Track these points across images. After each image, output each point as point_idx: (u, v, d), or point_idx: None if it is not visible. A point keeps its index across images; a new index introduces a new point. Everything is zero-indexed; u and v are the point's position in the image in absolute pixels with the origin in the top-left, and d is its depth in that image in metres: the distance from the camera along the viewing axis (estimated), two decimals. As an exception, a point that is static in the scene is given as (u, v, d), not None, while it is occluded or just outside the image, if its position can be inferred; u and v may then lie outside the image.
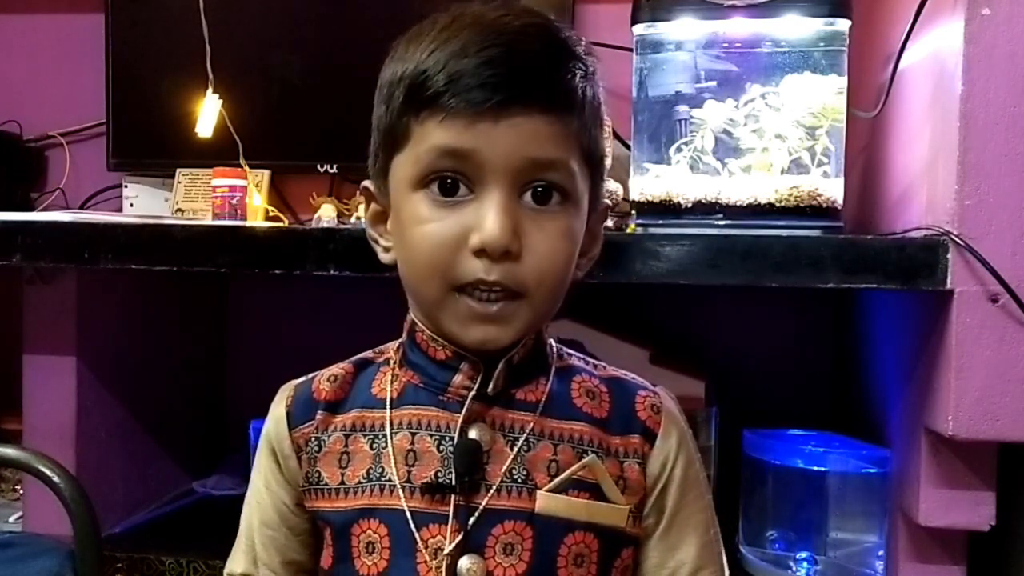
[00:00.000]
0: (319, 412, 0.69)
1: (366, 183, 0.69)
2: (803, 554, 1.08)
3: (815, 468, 1.08)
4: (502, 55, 0.59)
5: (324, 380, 0.71)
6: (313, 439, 0.69)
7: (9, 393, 1.24)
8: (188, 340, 1.45)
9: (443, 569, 0.63)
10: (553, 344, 0.71)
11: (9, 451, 0.97)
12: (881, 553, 1.06)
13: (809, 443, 1.11)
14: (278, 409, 0.71)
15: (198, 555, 1.13)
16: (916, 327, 0.98)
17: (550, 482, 0.64)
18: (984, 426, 0.88)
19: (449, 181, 0.61)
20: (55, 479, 0.92)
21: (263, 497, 0.71)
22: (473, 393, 0.65)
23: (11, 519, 1.26)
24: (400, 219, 0.64)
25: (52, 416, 1.17)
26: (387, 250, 0.68)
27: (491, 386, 0.65)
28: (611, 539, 0.66)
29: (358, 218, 1.22)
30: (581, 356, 0.72)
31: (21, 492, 1.26)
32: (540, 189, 0.62)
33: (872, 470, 1.07)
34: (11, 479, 1.38)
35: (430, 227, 0.61)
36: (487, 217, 0.60)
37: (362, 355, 0.73)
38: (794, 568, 1.08)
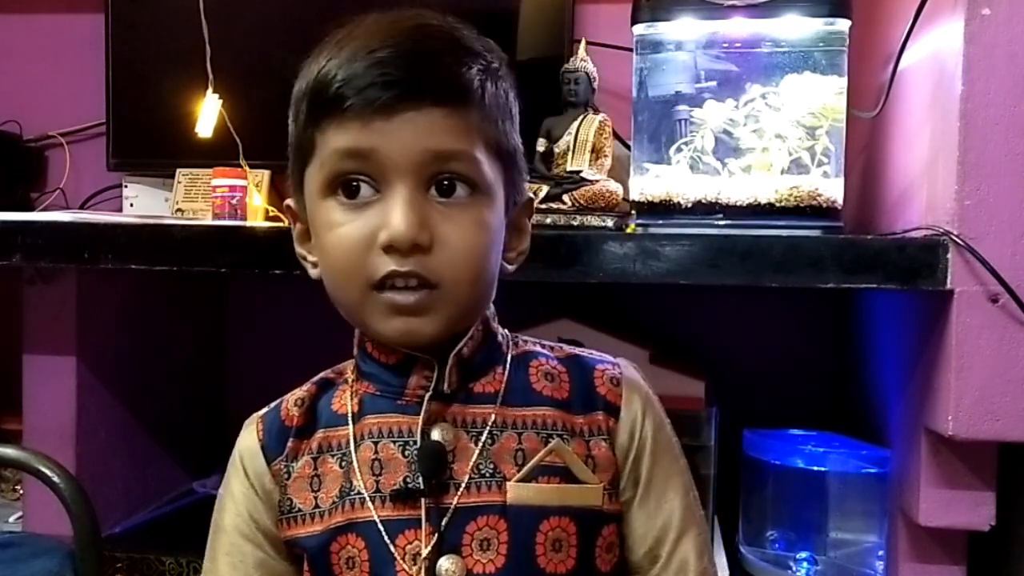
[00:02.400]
0: (290, 440, 0.69)
1: (288, 202, 0.70)
2: (803, 554, 1.08)
3: (815, 468, 1.08)
4: (391, 55, 0.60)
5: (292, 405, 0.71)
6: (284, 467, 0.69)
7: (9, 393, 1.24)
8: (188, 340, 1.45)
9: (423, 574, 0.63)
10: (507, 333, 0.71)
11: (9, 451, 0.97)
12: (881, 553, 1.06)
13: (809, 443, 1.11)
14: (250, 442, 0.71)
15: (198, 555, 1.10)
16: (916, 327, 0.98)
17: (518, 472, 0.64)
18: (984, 426, 0.88)
19: (354, 184, 0.62)
20: (55, 479, 0.92)
21: (248, 536, 0.69)
22: (430, 393, 0.65)
23: (11, 519, 1.26)
24: (316, 228, 0.65)
25: (52, 416, 1.17)
26: (315, 265, 0.68)
27: (446, 383, 0.66)
28: (588, 520, 0.66)
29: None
30: (537, 340, 0.72)
31: (21, 492, 1.26)
32: (446, 183, 0.62)
33: (872, 470, 1.07)
34: (11, 479, 1.38)
35: (341, 231, 0.62)
36: (392, 214, 0.60)
37: (322, 375, 0.73)
38: (794, 568, 1.08)
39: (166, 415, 1.37)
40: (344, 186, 0.62)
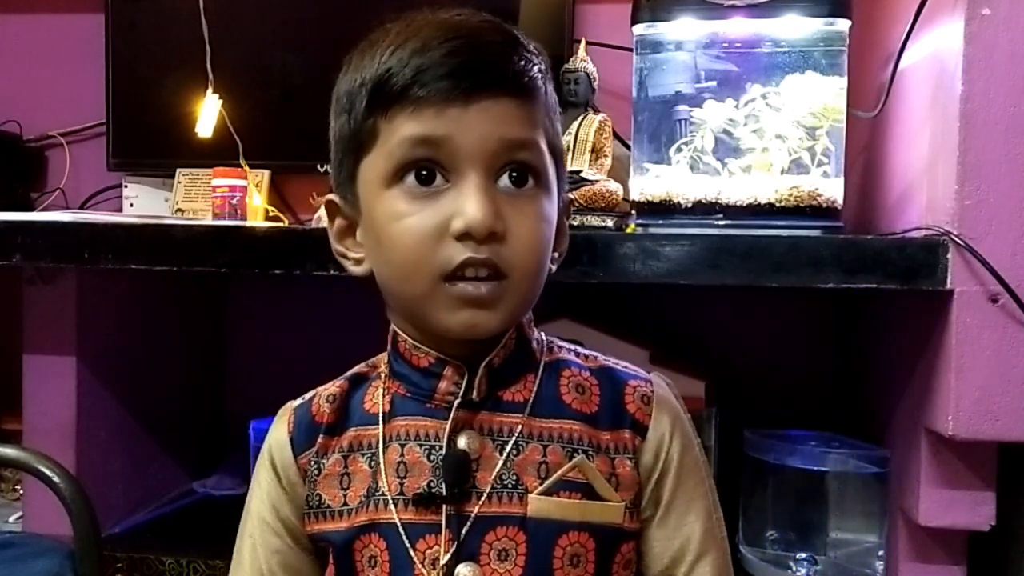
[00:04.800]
0: (320, 436, 0.69)
1: (330, 196, 0.68)
2: (803, 554, 1.08)
3: (815, 468, 1.08)
4: (464, 45, 0.60)
5: (323, 401, 0.70)
6: (313, 463, 0.69)
7: (9, 393, 1.24)
8: (188, 340, 1.45)
9: None
10: (543, 338, 0.70)
11: (9, 451, 0.97)
12: (881, 553, 1.06)
13: (809, 443, 1.11)
14: (280, 434, 0.70)
15: (198, 555, 1.13)
16: (916, 327, 0.98)
17: (540, 485, 0.64)
18: (984, 426, 0.88)
19: (424, 172, 0.61)
20: (55, 479, 0.92)
21: (270, 524, 0.70)
22: (459, 401, 0.65)
23: (11, 519, 1.27)
24: (375, 220, 0.63)
25: (52, 416, 1.17)
26: (358, 262, 0.67)
27: (475, 392, 0.65)
28: (607, 537, 0.65)
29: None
30: (572, 348, 0.71)
31: (21, 492, 1.27)
32: (515, 172, 0.62)
33: (872, 470, 1.07)
34: (11, 479, 1.38)
35: (409, 220, 0.61)
36: (468, 201, 0.60)
37: (356, 369, 0.72)
38: (794, 568, 1.08)
39: (166, 415, 1.37)
40: (416, 174, 0.61)
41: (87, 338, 1.19)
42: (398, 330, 0.68)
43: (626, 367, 0.70)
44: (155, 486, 1.35)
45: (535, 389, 0.67)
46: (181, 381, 1.43)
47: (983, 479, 0.93)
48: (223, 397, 1.55)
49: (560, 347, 0.71)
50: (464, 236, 0.59)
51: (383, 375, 0.70)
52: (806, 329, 1.43)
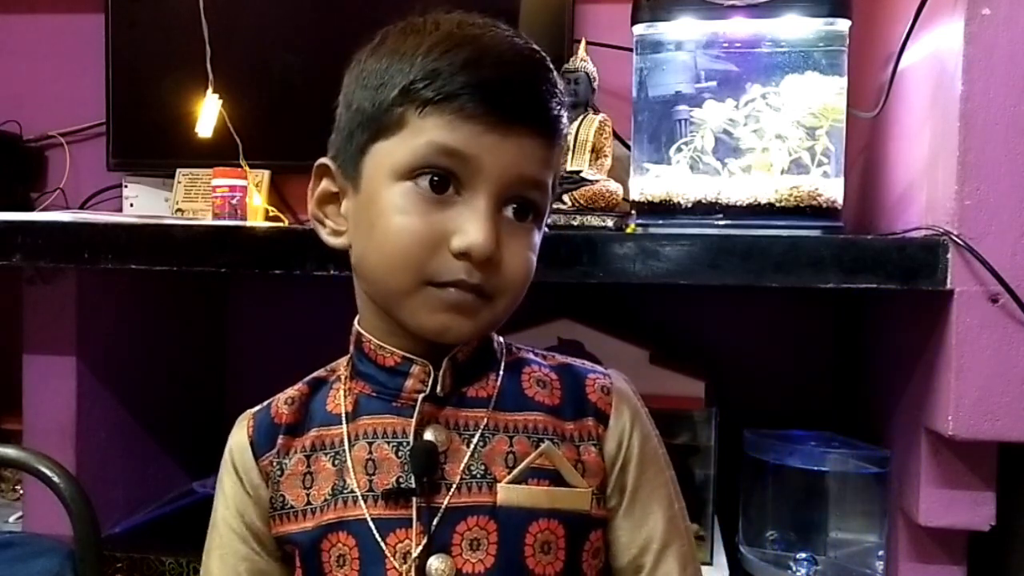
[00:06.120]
0: (280, 437, 0.69)
1: (324, 160, 0.68)
2: (803, 554, 1.08)
3: (815, 468, 1.09)
4: (518, 76, 0.62)
5: (282, 403, 0.71)
6: (275, 463, 0.69)
7: (9, 393, 1.24)
8: (188, 340, 1.45)
9: (412, 572, 0.63)
10: (502, 340, 0.72)
11: (9, 451, 0.97)
12: (881, 553, 1.06)
13: (809, 443, 1.11)
14: (240, 438, 0.71)
15: (198, 555, 1.10)
16: (916, 327, 0.98)
17: (509, 474, 0.65)
18: (984, 426, 0.88)
19: (437, 179, 0.61)
20: (55, 479, 0.92)
21: (236, 531, 0.70)
22: (424, 395, 0.66)
23: (11, 519, 1.27)
24: (375, 206, 0.63)
25: (52, 416, 1.17)
26: (336, 233, 0.67)
27: (439, 387, 0.66)
28: (576, 524, 0.66)
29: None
30: (530, 348, 0.73)
31: (21, 492, 1.27)
32: (520, 207, 0.64)
33: (872, 470, 1.07)
34: (11, 479, 1.38)
35: (410, 220, 0.61)
36: (474, 223, 0.61)
37: (315, 374, 0.73)
38: (794, 568, 1.08)
39: (166, 415, 1.37)
40: (431, 180, 0.61)
41: (87, 338, 1.19)
42: (362, 331, 0.69)
43: (584, 364, 0.73)
44: (155, 486, 1.35)
45: (498, 385, 0.68)
46: (181, 381, 1.43)
47: (983, 479, 0.93)
48: (223, 397, 1.55)
49: (519, 348, 0.73)
50: (462, 255, 0.61)
51: (343, 377, 0.70)
52: (806, 329, 1.43)
